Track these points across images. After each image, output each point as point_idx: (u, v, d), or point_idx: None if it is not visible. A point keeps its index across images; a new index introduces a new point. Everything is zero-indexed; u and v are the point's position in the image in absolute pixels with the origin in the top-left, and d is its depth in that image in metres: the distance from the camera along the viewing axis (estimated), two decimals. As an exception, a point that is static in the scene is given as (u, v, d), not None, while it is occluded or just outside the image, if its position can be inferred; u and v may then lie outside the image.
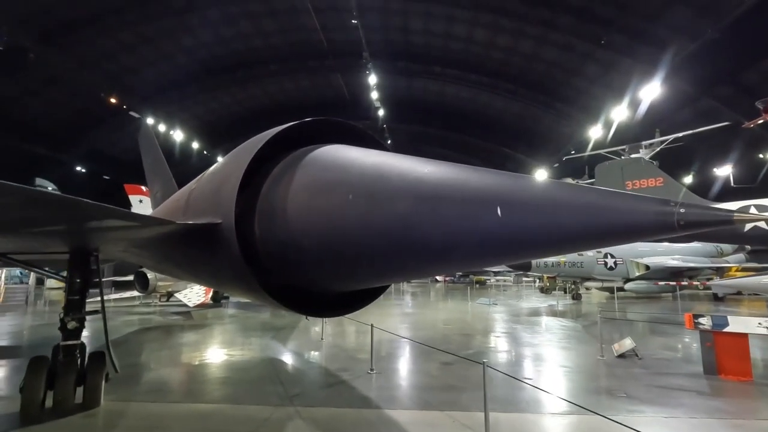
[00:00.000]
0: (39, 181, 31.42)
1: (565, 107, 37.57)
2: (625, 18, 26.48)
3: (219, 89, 40.98)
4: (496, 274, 37.59)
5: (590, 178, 28.99)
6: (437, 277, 48.12)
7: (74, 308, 5.72)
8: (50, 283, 36.04)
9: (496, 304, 20.86)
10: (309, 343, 10.64)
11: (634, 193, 1.96)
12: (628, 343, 9.13)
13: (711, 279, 22.27)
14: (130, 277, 18.00)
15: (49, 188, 31.79)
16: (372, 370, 7.66)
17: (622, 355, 8.91)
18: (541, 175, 45.32)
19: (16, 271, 30.79)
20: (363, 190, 2.64)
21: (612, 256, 21.88)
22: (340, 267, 3.07)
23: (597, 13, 27.05)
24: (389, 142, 43.97)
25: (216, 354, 9.50)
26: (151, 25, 29.85)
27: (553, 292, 26.30)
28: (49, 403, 5.42)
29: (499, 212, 2.01)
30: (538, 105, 39.25)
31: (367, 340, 10.79)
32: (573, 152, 34.32)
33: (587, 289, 25.82)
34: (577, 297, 23.09)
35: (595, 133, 31.77)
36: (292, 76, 40.97)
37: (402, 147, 51.13)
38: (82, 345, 5.82)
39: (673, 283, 21.35)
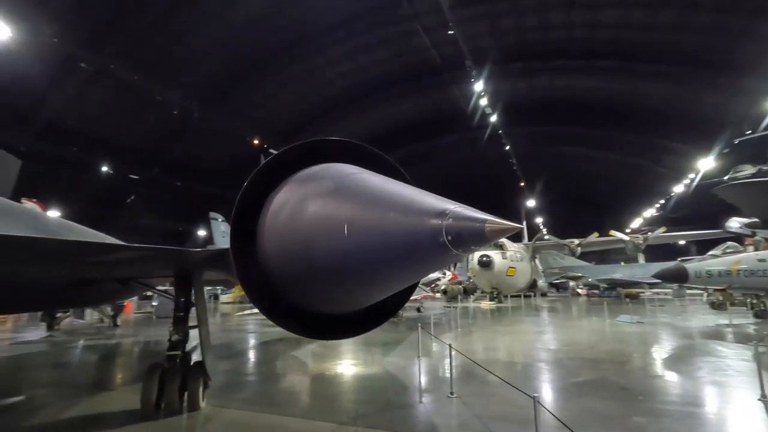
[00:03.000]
0: (213, 214, 38.43)
1: (732, 79, 30.55)
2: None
3: (345, 119, 44.72)
4: (651, 286, 31.89)
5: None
6: (578, 290, 43.23)
7: (179, 323, 6.80)
8: (223, 298, 43.56)
9: (642, 323, 17.65)
10: (405, 360, 10.56)
11: (428, 197, 1.51)
12: (808, 382, 6.74)
13: None
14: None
15: (219, 220, 38.73)
16: (452, 394, 7.23)
17: (798, 398, 6.61)
18: (707, 164, 37.43)
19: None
20: (296, 211, 2.60)
21: (814, 262, 16.58)
22: (296, 289, 3.04)
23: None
24: (507, 148, 41.77)
25: (314, 367, 10.12)
26: (284, 72, 34.44)
27: (728, 307, 21.01)
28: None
29: (346, 230, 1.78)
30: (693, 82, 32.80)
31: (467, 359, 10.26)
32: (749, 132, 27.47)
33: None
34: (762, 315, 18.03)
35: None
36: (409, 97, 42.46)
37: (526, 151, 48.13)
38: (186, 355, 6.84)
39: None
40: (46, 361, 11.61)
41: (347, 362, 10.60)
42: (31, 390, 8.40)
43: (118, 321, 20.42)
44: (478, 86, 28.81)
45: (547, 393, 7.57)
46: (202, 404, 6.69)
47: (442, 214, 1.32)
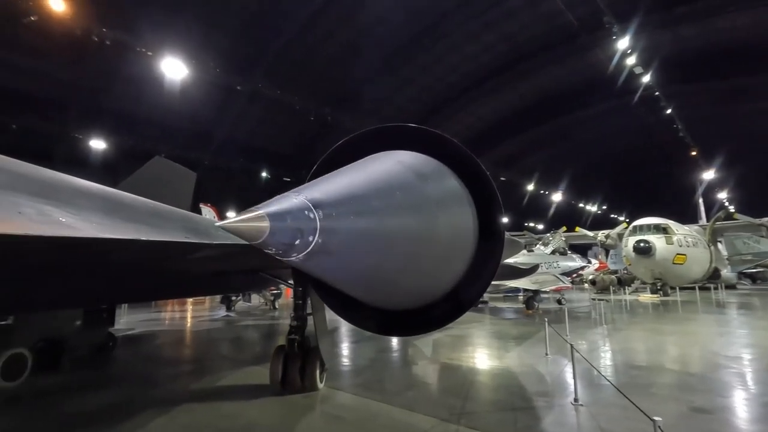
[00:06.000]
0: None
1: None
2: None
3: (473, 103, 43.30)
4: None
5: None
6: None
7: (298, 310, 7.47)
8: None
9: None
10: (532, 358, 9.73)
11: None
12: None
13: None
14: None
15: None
16: (576, 401, 6.37)
17: None
18: None
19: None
20: None
21: None
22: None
23: None
24: (668, 112, 34.69)
25: (433, 357, 10.04)
26: (408, 66, 34.99)
27: None
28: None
29: None
30: None
31: (603, 363, 9.07)
32: None
33: None
34: None
35: None
36: (540, 71, 38.98)
37: (699, 113, 39.99)
38: (305, 339, 7.47)
39: None
40: (219, 337, 14.11)
41: (468, 355, 10.28)
42: (201, 361, 10.29)
43: (276, 304, 23.70)
44: (623, 43, 24.54)
45: (708, 414, 6.06)
46: (320, 385, 7.25)
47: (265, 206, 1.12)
